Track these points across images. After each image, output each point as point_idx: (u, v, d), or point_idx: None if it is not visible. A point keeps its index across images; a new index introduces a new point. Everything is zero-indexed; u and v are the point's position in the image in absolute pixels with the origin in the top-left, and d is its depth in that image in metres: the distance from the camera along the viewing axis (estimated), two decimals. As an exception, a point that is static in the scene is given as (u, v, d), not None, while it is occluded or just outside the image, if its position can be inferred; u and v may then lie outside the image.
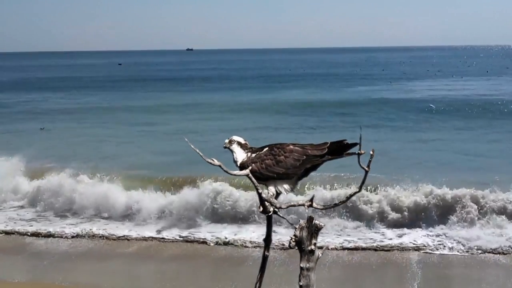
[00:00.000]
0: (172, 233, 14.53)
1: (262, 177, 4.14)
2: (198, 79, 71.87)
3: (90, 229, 14.83)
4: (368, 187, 15.60)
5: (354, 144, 4.09)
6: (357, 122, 30.67)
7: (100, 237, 14.50)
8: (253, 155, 4.21)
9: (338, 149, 4.12)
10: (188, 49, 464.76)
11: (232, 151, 4.28)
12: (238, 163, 4.22)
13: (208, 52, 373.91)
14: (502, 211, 14.61)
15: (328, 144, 4.14)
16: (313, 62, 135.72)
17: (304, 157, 4.12)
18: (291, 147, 4.17)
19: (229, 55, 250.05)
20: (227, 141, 4.30)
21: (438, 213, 14.85)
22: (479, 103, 37.44)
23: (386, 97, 43.13)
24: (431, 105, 35.21)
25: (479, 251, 13.07)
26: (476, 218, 14.45)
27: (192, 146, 4.05)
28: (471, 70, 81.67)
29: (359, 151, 4.04)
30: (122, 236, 14.49)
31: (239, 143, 4.27)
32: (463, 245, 13.29)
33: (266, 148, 4.21)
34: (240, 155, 4.24)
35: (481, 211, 14.67)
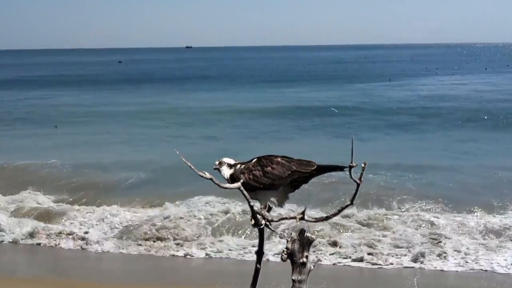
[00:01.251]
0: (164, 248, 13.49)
1: (250, 188, 4.17)
2: (197, 78, 71.87)
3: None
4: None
5: (342, 167, 4.11)
6: (357, 122, 30.65)
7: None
8: (242, 166, 4.24)
9: (326, 170, 4.23)
10: (187, 47, 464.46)
11: (220, 172, 4.31)
12: (227, 176, 4.25)
13: (207, 49, 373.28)
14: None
15: (315, 167, 4.17)
16: (313, 59, 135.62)
17: (289, 172, 4.17)
18: (279, 159, 4.22)
19: (228, 52, 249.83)
20: (217, 162, 4.33)
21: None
22: (477, 102, 37.47)
23: (388, 96, 43.26)
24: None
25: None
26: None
27: (184, 159, 4.05)
28: (471, 68, 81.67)
29: (351, 164, 4.04)
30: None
31: (228, 165, 4.31)
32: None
33: (255, 160, 4.26)
34: (228, 171, 4.28)
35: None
